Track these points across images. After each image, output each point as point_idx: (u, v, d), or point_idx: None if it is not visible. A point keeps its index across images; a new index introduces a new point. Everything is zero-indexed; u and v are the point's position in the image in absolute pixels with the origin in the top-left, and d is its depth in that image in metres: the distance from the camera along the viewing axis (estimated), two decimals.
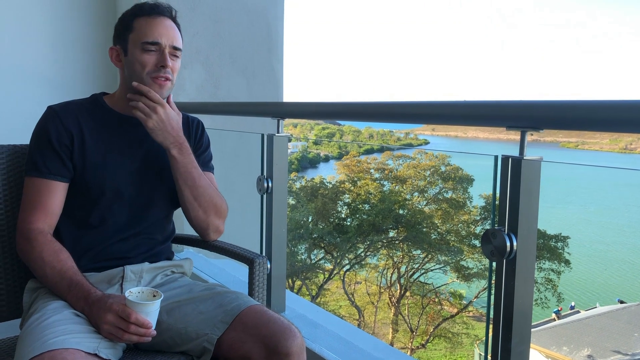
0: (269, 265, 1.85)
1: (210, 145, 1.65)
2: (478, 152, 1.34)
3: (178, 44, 1.44)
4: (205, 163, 1.60)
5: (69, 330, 1.14)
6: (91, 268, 1.40)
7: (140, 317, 1.15)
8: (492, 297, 1.17)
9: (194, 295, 1.40)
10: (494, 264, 1.15)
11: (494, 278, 1.16)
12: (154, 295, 1.22)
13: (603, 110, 1.00)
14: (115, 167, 1.43)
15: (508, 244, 1.09)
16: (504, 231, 1.10)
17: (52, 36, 2.79)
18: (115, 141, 1.46)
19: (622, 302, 19.28)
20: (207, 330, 1.27)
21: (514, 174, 1.09)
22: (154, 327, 1.18)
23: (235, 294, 1.37)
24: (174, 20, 1.46)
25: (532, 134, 1.11)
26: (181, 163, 1.43)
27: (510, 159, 1.10)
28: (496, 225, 1.13)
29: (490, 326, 1.18)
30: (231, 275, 2.43)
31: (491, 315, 1.17)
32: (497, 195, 1.14)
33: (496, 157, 1.15)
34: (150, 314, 1.17)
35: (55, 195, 1.38)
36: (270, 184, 1.86)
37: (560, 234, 15.91)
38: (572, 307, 20.51)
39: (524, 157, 1.09)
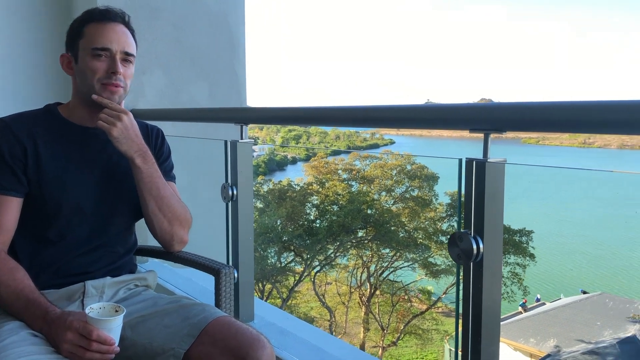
0: (236, 274, 1.82)
1: (171, 154, 1.62)
2: (443, 156, 1.34)
3: (130, 49, 1.40)
4: (167, 172, 1.56)
5: (27, 352, 1.10)
6: (50, 285, 1.35)
7: (102, 333, 1.11)
8: (461, 298, 1.17)
9: (158, 308, 1.36)
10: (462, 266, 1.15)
11: (462, 280, 1.16)
12: (116, 311, 1.18)
13: (564, 111, 1.01)
14: (74, 181, 1.39)
15: (474, 247, 1.10)
16: (470, 234, 1.11)
17: (1, 43, 2.68)
18: (73, 153, 1.41)
19: (585, 292, 19.84)
20: (173, 344, 1.24)
21: (479, 177, 1.09)
22: (117, 344, 1.15)
23: (202, 306, 1.34)
24: (127, 25, 1.43)
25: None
26: (146, 173, 1.40)
27: (474, 162, 1.10)
28: (462, 228, 1.13)
29: (460, 327, 1.18)
30: (198, 285, 2.38)
31: (460, 316, 1.18)
32: (462, 198, 1.14)
33: (460, 161, 1.14)
34: (112, 330, 1.14)
35: (8, 212, 1.32)
36: (235, 192, 1.83)
37: (525, 228, 16.25)
38: (537, 300, 21.00)
39: (488, 160, 1.09)
